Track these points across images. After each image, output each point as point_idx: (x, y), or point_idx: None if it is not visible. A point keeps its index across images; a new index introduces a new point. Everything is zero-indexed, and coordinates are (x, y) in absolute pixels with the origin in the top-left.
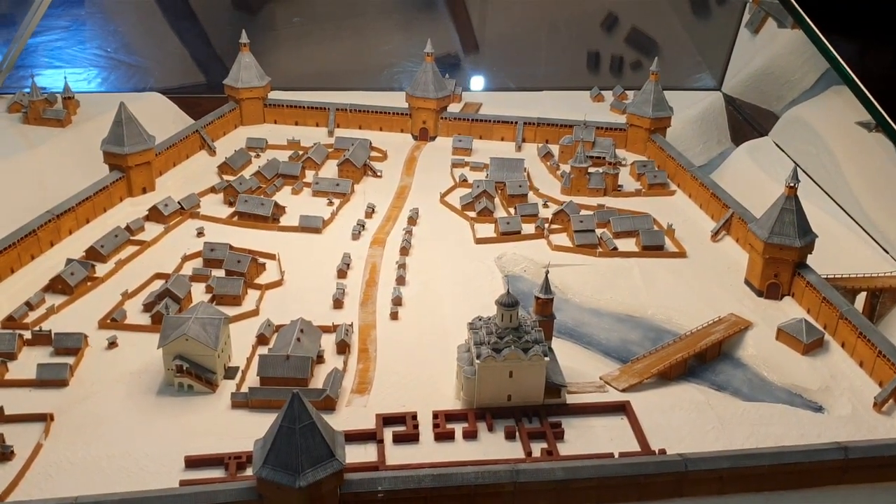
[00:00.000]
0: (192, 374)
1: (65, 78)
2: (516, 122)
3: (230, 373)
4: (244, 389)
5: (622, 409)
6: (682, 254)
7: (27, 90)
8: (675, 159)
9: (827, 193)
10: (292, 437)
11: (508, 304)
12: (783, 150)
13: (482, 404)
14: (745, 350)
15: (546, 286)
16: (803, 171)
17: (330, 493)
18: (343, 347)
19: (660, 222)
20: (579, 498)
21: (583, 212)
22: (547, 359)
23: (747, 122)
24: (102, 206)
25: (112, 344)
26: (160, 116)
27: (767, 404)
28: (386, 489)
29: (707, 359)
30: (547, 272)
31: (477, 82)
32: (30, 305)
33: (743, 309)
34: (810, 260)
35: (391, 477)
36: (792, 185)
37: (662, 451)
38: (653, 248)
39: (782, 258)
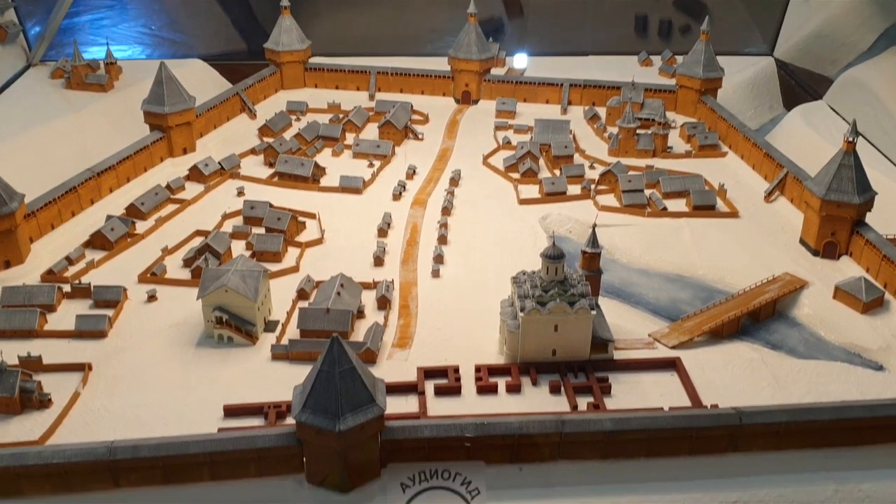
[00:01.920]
0: (231, 326)
1: (107, 44)
2: (561, 85)
3: (270, 326)
4: (284, 342)
5: (672, 365)
6: (734, 214)
7: (69, 56)
8: (726, 120)
9: (885, 156)
10: (332, 382)
11: (554, 255)
12: (838, 114)
13: (526, 359)
14: (801, 309)
15: (593, 240)
16: (860, 134)
17: (370, 439)
18: (384, 303)
19: (711, 183)
20: (628, 451)
21: (631, 172)
22: (594, 312)
23: (800, 86)
24: (143, 165)
25: (151, 297)
26: (201, 82)
27: (825, 362)
28: (428, 436)
29: (761, 318)
30: (594, 225)
31: (520, 60)
32: (69, 260)
33: (798, 269)
34: (869, 219)
35: (433, 425)
36: (851, 139)
37: (715, 407)
38: (704, 209)
39: (840, 216)
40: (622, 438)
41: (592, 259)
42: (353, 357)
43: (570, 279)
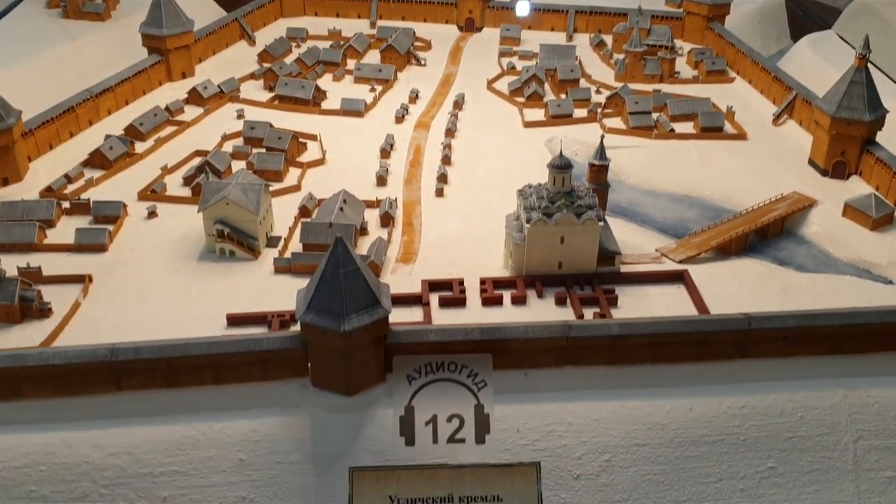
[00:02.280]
0: (233, 240)
1: None
2: (567, 11)
3: (272, 241)
4: (287, 255)
5: (679, 277)
6: (742, 136)
7: None
8: (734, 46)
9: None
10: (336, 282)
11: (561, 165)
12: (848, 42)
13: (532, 272)
14: (809, 227)
15: (601, 151)
16: (871, 63)
17: (376, 342)
18: (387, 220)
19: (718, 106)
20: (635, 357)
21: (637, 95)
22: (601, 224)
23: (808, 17)
24: (142, 88)
25: (152, 214)
26: (199, 11)
27: (834, 276)
28: (433, 341)
29: (769, 235)
30: (602, 137)
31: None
32: (68, 178)
33: (807, 188)
34: (880, 138)
35: (438, 329)
36: (863, 54)
37: None
38: (711, 130)
39: (850, 134)
40: (629, 343)
41: (600, 172)
42: (357, 258)
43: (577, 191)
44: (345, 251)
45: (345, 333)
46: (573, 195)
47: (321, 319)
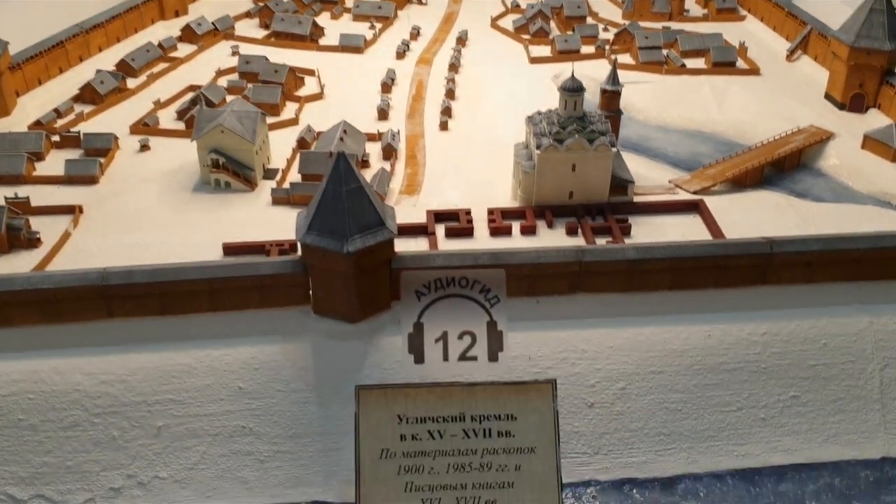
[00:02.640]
0: (228, 170)
1: None
2: None
3: (269, 174)
4: (285, 186)
5: (695, 207)
6: (755, 71)
7: None
8: None
9: None
10: (338, 201)
11: (573, 88)
12: None
13: (542, 202)
14: (827, 160)
15: (614, 76)
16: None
17: (381, 265)
18: (389, 152)
19: (730, 42)
20: (651, 283)
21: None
22: (614, 150)
23: None
24: (133, 26)
25: (144, 147)
26: None
27: (856, 205)
28: (441, 265)
29: (785, 168)
30: (615, 61)
31: None
32: (58, 113)
33: (823, 122)
34: None
35: (446, 254)
36: None
37: None
38: (724, 65)
39: (869, 64)
40: (645, 268)
41: (612, 98)
42: (360, 177)
43: (589, 117)
44: (347, 168)
45: (348, 255)
46: (585, 120)
47: (323, 240)
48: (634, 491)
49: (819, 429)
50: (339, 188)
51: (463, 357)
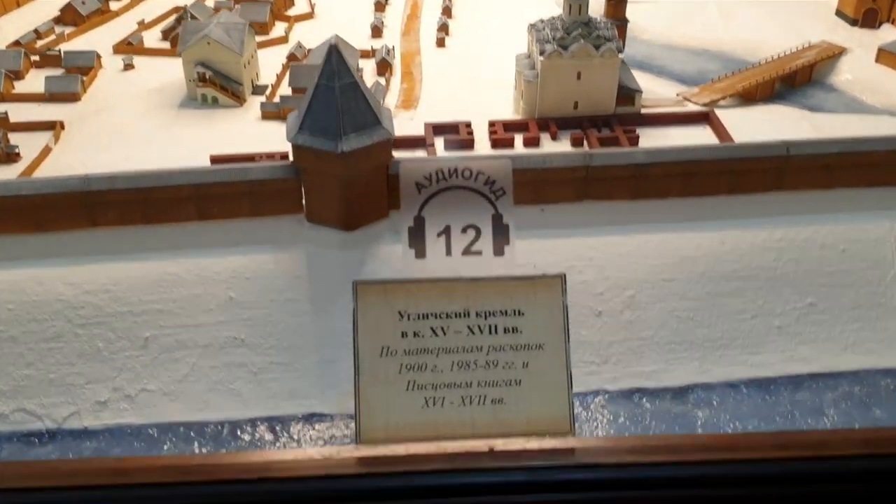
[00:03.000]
0: (216, 85)
1: None
2: None
3: (258, 90)
4: (275, 100)
5: (705, 118)
6: None
7: None
8: None
9: None
10: (331, 98)
11: None
12: None
13: (545, 113)
14: (839, 76)
15: None
16: None
17: (377, 169)
18: (384, 67)
19: None
20: (661, 188)
21: None
22: (621, 56)
23: None
24: None
25: (128, 66)
26: None
27: (871, 116)
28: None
29: (796, 83)
30: None
31: None
32: (38, 33)
33: (835, 38)
34: None
35: (447, 158)
36: None
37: None
38: None
39: None
40: (655, 173)
41: (619, 5)
42: (355, 72)
43: (594, 22)
44: (340, 62)
45: (342, 155)
46: (591, 26)
47: (315, 140)
48: (644, 400)
49: (837, 337)
50: (331, 83)
51: (467, 251)
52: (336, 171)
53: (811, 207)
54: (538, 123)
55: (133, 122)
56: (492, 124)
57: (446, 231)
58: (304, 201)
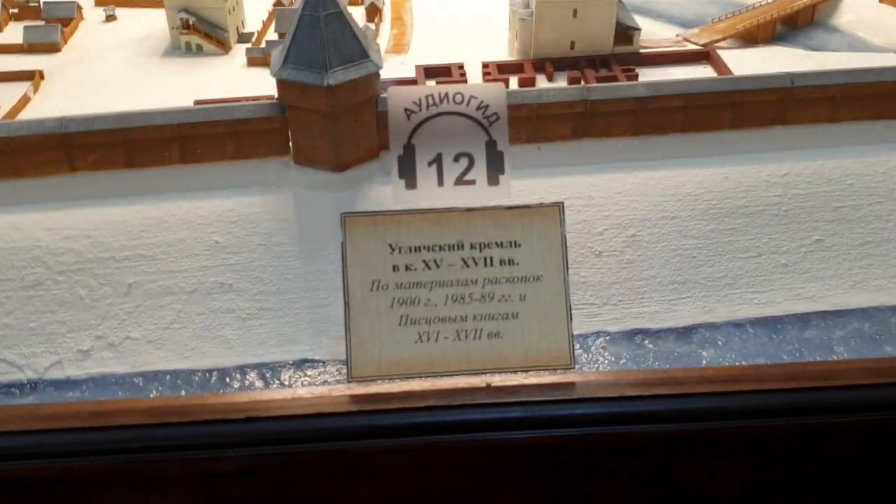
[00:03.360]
0: (200, 32)
1: None
2: None
3: (244, 37)
4: (261, 46)
5: (705, 57)
6: None
7: None
8: None
9: None
10: (316, 28)
11: None
12: None
13: (541, 54)
14: (842, 17)
15: None
16: None
17: (366, 104)
18: (373, 12)
19: None
20: (662, 124)
21: None
22: None
23: None
24: None
25: (110, 17)
26: None
27: (876, 54)
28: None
29: (798, 25)
30: None
31: None
32: None
33: None
34: None
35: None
36: None
37: None
38: None
39: None
40: (657, 107)
41: None
42: (341, 1)
43: None
44: None
45: (329, 89)
46: None
47: (300, 74)
48: (647, 341)
49: (845, 274)
50: (316, 13)
51: (460, 181)
52: (322, 107)
53: (817, 141)
54: (534, 64)
55: (115, 72)
56: (485, 66)
57: (438, 159)
58: (291, 142)
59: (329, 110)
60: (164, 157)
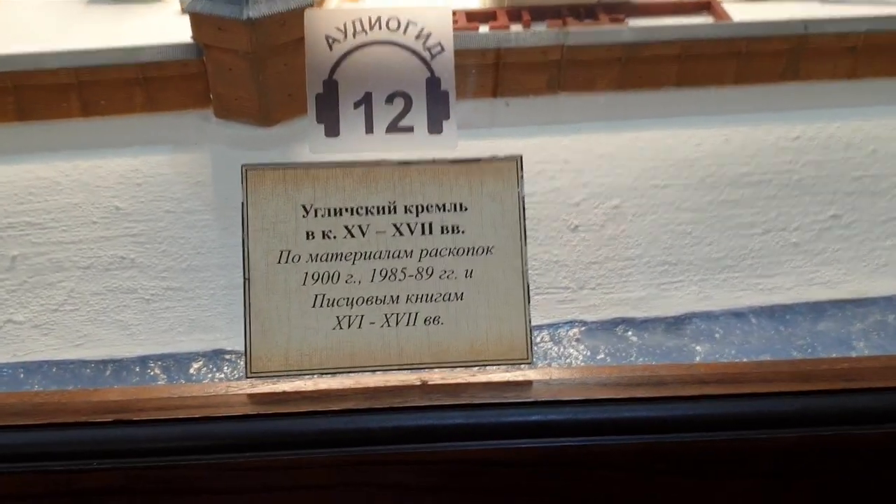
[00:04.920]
0: None
1: None
2: None
3: None
4: None
5: (706, 7)
6: None
7: None
8: None
9: None
10: None
11: None
12: None
13: (516, 2)
14: None
15: None
16: None
17: (297, 45)
18: None
19: None
20: (653, 76)
21: None
22: None
23: None
24: None
25: None
26: None
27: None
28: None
29: None
30: None
31: None
32: None
33: None
34: None
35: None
36: None
37: None
38: None
39: None
40: (646, 56)
41: None
42: None
43: None
44: None
45: (250, 24)
46: None
47: (216, 6)
48: (630, 333)
49: (866, 256)
50: None
51: (394, 128)
52: (244, 47)
53: (835, 100)
54: (508, 13)
55: (28, 19)
56: (453, 14)
57: (366, 100)
58: (211, 93)
59: (252, 50)
60: (63, 108)
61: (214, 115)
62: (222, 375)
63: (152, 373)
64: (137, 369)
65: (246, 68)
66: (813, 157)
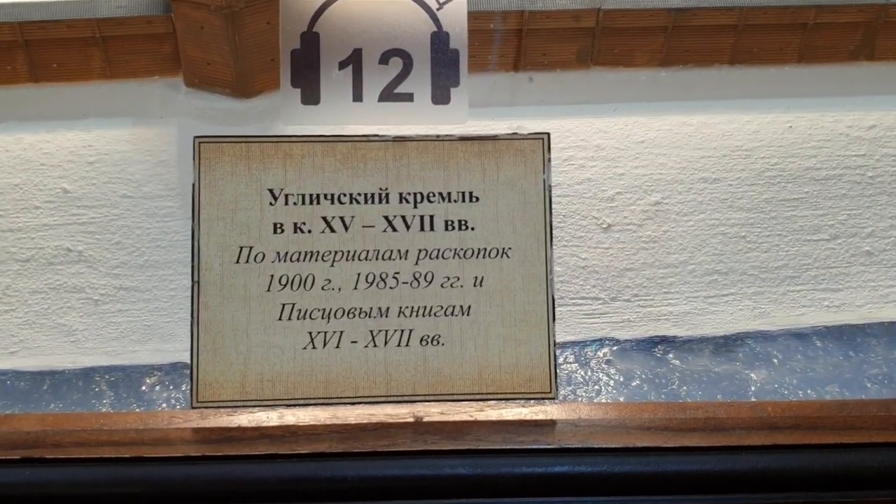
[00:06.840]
0: None
1: None
2: None
3: None
4: None
5: None
6: None
7: None
8: None
9: None
10: None
11: None
12: None
13: None
14: None
15: None
16: None
17: (271, 5)
18: None
19: None
20: (703, 51)
21: None
22: None
23: None
24: None
25: None
26: None
27: None
28: None
29: None
30: None
31: None
32: None
33: None
34: None
35: None
36: None
37: None
38: None
39: None
40: (696, 26)
41: None
42: None
43: None
44: None
45: None
46: None
47: None
48: (671, 355)
49: None
50: None
51: (388, 95)
52: (218, 1)
53: None
54: None
55: None
56: None
57: (354, 59)
58: (180, 56)
59: (227, 4)
60: (8, 71)
61: (185, 84)
62: (180, 396)
63: (98, 388)
64: (81, 384)
65: (220, 26)
66: (891, 150)
